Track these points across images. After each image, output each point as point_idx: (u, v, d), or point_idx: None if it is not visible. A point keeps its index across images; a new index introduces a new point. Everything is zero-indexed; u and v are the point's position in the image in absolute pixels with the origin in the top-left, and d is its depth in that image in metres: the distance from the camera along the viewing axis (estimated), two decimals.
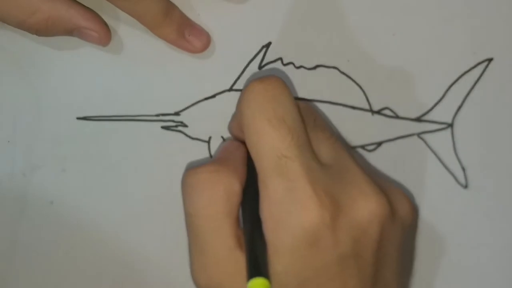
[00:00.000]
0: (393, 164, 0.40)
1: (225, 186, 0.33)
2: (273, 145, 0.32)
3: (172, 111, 0.39)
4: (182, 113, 0.39)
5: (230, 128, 0.38)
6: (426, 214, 0.40)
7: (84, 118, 0.40)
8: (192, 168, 0.34)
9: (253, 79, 0.34)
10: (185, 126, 0.40)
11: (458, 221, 0.40)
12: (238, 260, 0.33)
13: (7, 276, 0.40)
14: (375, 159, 0.40)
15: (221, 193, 0.33)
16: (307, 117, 0.35)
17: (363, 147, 0.40)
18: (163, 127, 0.40)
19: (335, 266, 0.32)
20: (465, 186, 0.40)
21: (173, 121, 0.40)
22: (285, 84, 0.34)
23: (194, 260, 0.34)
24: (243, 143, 0.36)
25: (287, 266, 0.32)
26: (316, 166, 0.33)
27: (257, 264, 0.32)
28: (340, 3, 0.39)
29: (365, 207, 0.32)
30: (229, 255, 0.33)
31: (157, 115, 0.40)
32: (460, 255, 0.40)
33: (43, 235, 0.40)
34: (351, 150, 0.38)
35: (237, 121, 0.36)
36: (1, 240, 0.40)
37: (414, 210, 0.36)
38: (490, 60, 0.39)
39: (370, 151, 0.40)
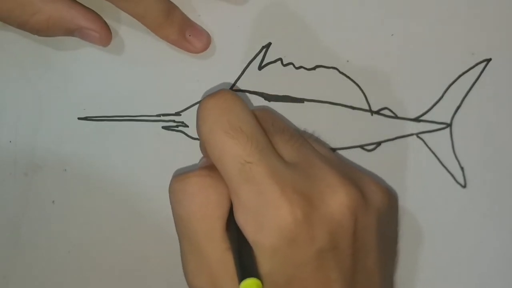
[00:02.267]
0: (392, 164, 0.40)
1: (216, 190, 0.34)
2: (234, 154, 0.33)
3: (172, 111, 0.40)
4: (183, 113, 0.40)
5: (201, 150, 0.39)
6: (425, 213, 0.40)
7: (85, 119, 0.40)
8: (181, 174, 0.34)
9: (205, 97, 0.34)
10: (186, 126, 0.40)
11: (456, 220, 0.40)
12: (230, 262, 0.33)
13: (9, 275, 0.40)
14: (374, 159, 0.40)
15: (213, 197, 0.33)
16: (266, 121, 0.36)
17: (362, 147, 0.40)
18: (164, 127, 0.40)
19: (315, 261, 0.32)
20: (464, 186, 0.40)
21: (173, 121, 0.40)
22: (236, 94, 0.34)
23: (188, 262, 0.34)
24: None
25: (273, 266, 0.32)
26: (281, 167, 0.33)
27: (247, 265, 0.32)
28: (340, 3, 0.39)
29: (336, 200, 0.33)
30: (222, 257, 0.33)
31: (158, 115, 0.40)
32: (459, 255, 0.40)
33: (45, 235, 0.40)
34: (315, 142, 0.38)
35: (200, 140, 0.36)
36: (3, 239, 0.40)
37: (388, 196, 0.36)
38: (488, 60, 0.40)
39: (369, 151, 0.40)
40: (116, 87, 0.40)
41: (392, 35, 0.40)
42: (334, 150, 0.40)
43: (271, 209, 0.32)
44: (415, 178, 0.40)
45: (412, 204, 0.40)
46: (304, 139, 0.36)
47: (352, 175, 0.35)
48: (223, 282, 0.33)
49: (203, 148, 0.37)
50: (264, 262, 0.32)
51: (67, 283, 0.40)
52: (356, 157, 0.40)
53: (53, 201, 0.40)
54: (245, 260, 0.32)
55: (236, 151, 0.33)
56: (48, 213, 0.40)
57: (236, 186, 0.33)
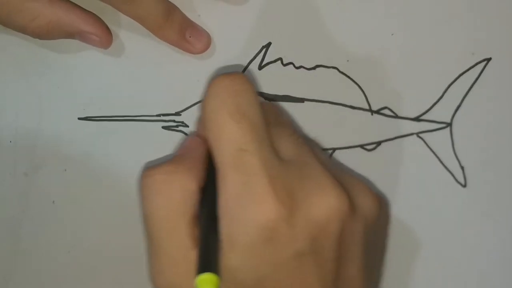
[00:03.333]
0: (392, 163, 0.40)
1: (181, 187, 0.33)
2: (233, 138, 0.32)
3: (173, 111, 0.40)
4: (183, 113, 0.40)
5: (196, 124, 0.38)
6: (425, 213, 0.40)
7: (86, 119, 0.40)
8: (148, 168, 0.34)
9: (218, 75, 0.34)
10: (186, 126, 0.40)
11: (457, 220, 0.40)
12: (193, 261, 0.32)
13: (9, 275, 0.40)
14: (374, 158, 0.40)
15: (176, 194, 0.33)
16: (270, 114, 0.35)
17: (362, 146, 0.40)
18: (164, 127, 0.40)
19: (292, 263, 0.32)
20: (464, 185, 0.40)
21: (174, 121, 0.40)
22: (249, 81, 0.34)
23: (151, 262, 0.34)
24: (205, 140, 0.35)
25: (242, 262, 0.31)
26: (275, 162, 0.32)
27: (207, 260, 0.31)
28: (340, 3, 0.39)
29: (323, 203, 0.32)
30: (185, 256, 0.32)
31: (158, 115, 0.40)
32: (459, 254, 0.40)
33: (45, 235, 0.40)
34: (315, 146, 0.37)
35: (202, 116, 0.35)
36: (3, 239, 0.40)
37: (379, 205, 0.35)
38: (488, 60, 0.40)
39: (369, 150, 0.40)
40: (116, 87, 0.40)
41: (392, 35, 0.40)
42: (334, 150, 0.40)
43: (255, 203, 0.31)
44: (415, 177, 0.40)
45: (412, 203, 0.40)
46: (305, 139, 0.36)
47: (346, 181, 0.34)
48: (187, 281, 0.32)
49: (200, 124, 0.36)
50: (233, 257, 0.31)
51: (67, 283, 0.40)
52: (356, 156, 0.40)
53: (53, 201, 0.40)
54: (208, 253, 0.31)
55: (235, 136, 0.32)
56: (48, 213, 0.40)
57: (226, 171, 0.32)
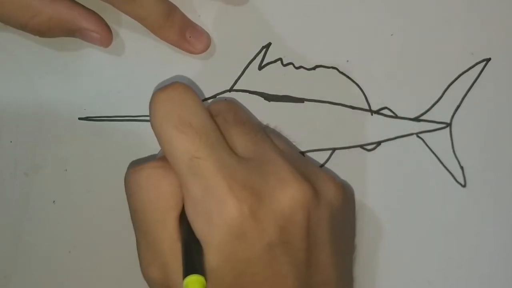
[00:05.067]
0: (392, 163, 0.40)
1: (171, 181, 0.34)
2: (183, 149, 0.33)
3: None
4: None
5: None
6: (425, 213, 0.40)
7: (86, 119, 0.40)
8: (135, 165, 0.34)
9: (157, 90, 0.34)
10: None
11: (456, 220, 0.40)
12: (180, 253, 0.33)
13: (10, 275, 0.40)
14: (374, 158, 0.40)
15: (166, 188, 0.33)
16: (226, 112, 0.36)
17: (362, 146, 0.40)
18: None
19: (265, 255, 0.32)
20: (464, 185, 0.40)
21: None
22: (188, 87, 0.34)
23: (142, 255, 0.35)
24: None
25: (220, 262, 0.32)
26: (232, 161, 0.33)
27: (192, 261, 0.32)
28: (339, 3, 0.40)
29: (286, 195, 0.33)
30: (173, 247, 0.33)
31: None
32: (459, 254, 0.40)
33: (45, 235, 0.40)
34: (277, 138, 0.38)
35: None
36: (4, 239, 0.40)
37: (342, 191, 0.36)
38: (488, 60, 0.40)
39: (369, 150, 0.40)
40: (117, 87, 0.40)
41: (392, 35, 0.40)
42: (334, 150, 0.40)
43: (217, 205, 0.32)
44: (415, 177, 0.40)
45: (412, 203, 0.40)
46: (264, 133, 0.36)
47: (307, 171, 0.35)
48: (174, 272, 0.33)
49: None
50: (211, 258, 0.32)
51: (67, 283, 0.40)
52: (356, 156, 0.40)
53: (53, 201, 0.40)
54: (193, 255, 0.32)
55: (184, 146, 0.33)
56: (49, 213, 0.40)
57: (185, 180, 0.33)
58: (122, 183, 0.39)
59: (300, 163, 0.35)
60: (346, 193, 0.36)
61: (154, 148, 0.39)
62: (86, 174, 0.40)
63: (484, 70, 0.40)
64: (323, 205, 0.34)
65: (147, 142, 0.40)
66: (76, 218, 0.40)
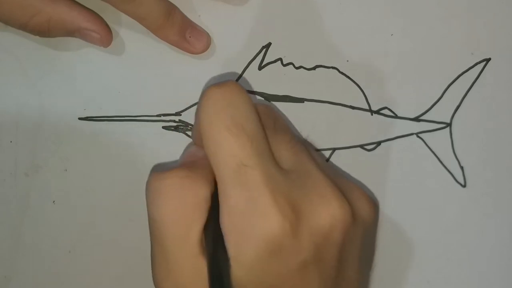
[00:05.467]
0: (392, 163, 0.40)
1: (194, 192, 0.32)
2: (232, 153, 0.31)
3: (173, 111, 0.40)
4: (183, 113, 0.40)
5: (193, 137, 0.37)
6: (424, 213, 0.40)
7: (86, 119, 0.40)
8: (159, 172, 0.33)
9: (210, 85, 0.32)
10: (186, 126, 0.40)
11: (456, 220, 0.40)
12: (201, 270, 0.32)
13: (10, 275, 0.40)
14: (374, 158, 0.40)
15: (190, 199, 0.32)
16: (267, 120, 0.34)
17: (362, 146, 0.40)
18: (164, 127, 0.40)
19: (298, 272, 0.31)
20: (464, 185, 0.40)
21: (174, 121, 0.40)
22: (243, 88, 0.32)
23: (157, 266, 0.33)
24: None
25: (250, 277, 0.31)
26: (277, 174, 0.32)
27: (219, 275, 0.31)
28: (339, 3, 0.40)
29: (327, 213, 0.32)
30: (194, 263, 0.32)
31: (158, 116, 0.40)
32: (458, 254, 0.40)
33: (46, 235, 0.40)
34: (311, 150, 0.37)
35: (197, 129, 0.34)
36: (4, 239, 0.40)
37: (375, 209, 0.35)
38: (488, 60, 0.40)
39: (369, 150, 0.40)
40: (117, 87, 0.40)
41: (392, 35, 0.40)
42: (334, 150, 0.40)
43: (260, 218, 0.31)
44: (415, 177, 0.40)
45: (412, 203, 0.40)
46: (303, 144, 0.35)
47: (344, 186, 0.34)
48: (193, 287, 0.32)
49: (196, 137, 0.35)
50: (240, 274, 0.31)
51: (67, 283, 0.40)
52: (356, 156, 0.40)
53: (53, 201, 0.40)
54: (219, 271, 0.31)
55: (234, 150, 0.31)
56: (49, 213, 0.40)
57: (228, 187, 0.31)
58: (121, 183, 0.40)
59: (336, 177, 0.34)
60: (378, 210, 0.36)
61: (154, 148, 0.40)
62: (86, 174, 0.40)
63: (484, 70, 0.40)
64: (358, 223, 0.33)
65: (147, 142, 0.40)
66: (76, 218, 0.40)
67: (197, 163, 0.34)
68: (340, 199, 0.32)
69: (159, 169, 0.34)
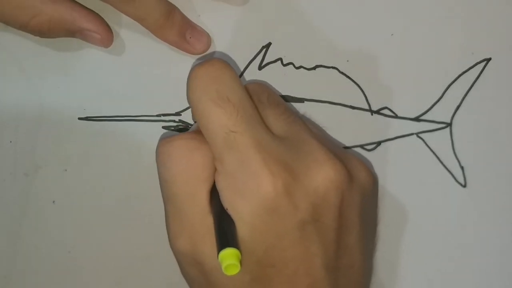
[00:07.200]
0: (392, 163, 0.40)
1: (202, 152, 0.34)
2: (220, 123, 0.33)
3: (173, 111, 0.40)
4: (183, 113, 0.40)
5: (192, 116, 0.39)
6: (425, 213, 0.40)
7: (86, 119, 0.40)
8: (167, 137, 0.35)
9: (195, 64, 0.34)
10: (186, 126, 0.40)
11: (456, 220, 0.40)
12: (211, 225, 0.34)
13: (9, 275, 0.40)
14: (374, 158, 0.40)
15: (198, 159, 0.34)
16: (260, 94, 0.36)
17: (362, 146, 0.40)
18: (164, 127, 0.40)
19: (296, 232, 0.33)
20: (464, 185, 0.40)
21: (174, 121, 0.40)
22: (227, 64, 0.35)
23: (170, 225, 0.35)
24: None
25: (251, 233, 0.33)
26: (267, 138, 0.33)
27: (226, 234, 0.32)
28: (340, 3, 0.40)
29: (320, 174, 0.33)
30: (203, 219, 0.34)
31: (158, 115, 0.40)
32: (459, 254, 0.40)
33: (45, 235, 0.40)
34: (311, 123, 0.38)
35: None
36: (3, 239, 0.40)
37: (373, 177, 0.36)
38: (488, 60, 0.40)
39: (369, 150, 0.40)
40: (117, 87, 0.40)
41: (392, 35, 0.40)
42: None
43: (252, 178, 0.32)
44: (415, 177, 0.40)
45: (412, 203, 0.40)
46: (297, 115, 0.37)
47: (341, 154, 0.35)
48: (204, 244, 0.34)
49: (193, 117, 0.37)
50: (243, 230, 0.33)
51: (67, 283, 0.40)
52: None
53: (53, 201, 0.40)
54: (225, 228, 0.33)
55: (221, 120, 0.33)
56: (48, 213, 0.40)
57: (220, 153, 0.33)
58: (121, 183, 0.40)
59: (333, 146, 0.36)
60: (375, 179, 0.37)
61: (154, 148, 0.39)
62: (86, 174, 0.40)
63: (485, 70, 0.40)
64: (355, 188, 0.34)
65: (147, 142, 0.40)
66: (76, 218, 0.40)
67: None
68: (335, 161, 0.34)
69: (165, 136, 0.36)
